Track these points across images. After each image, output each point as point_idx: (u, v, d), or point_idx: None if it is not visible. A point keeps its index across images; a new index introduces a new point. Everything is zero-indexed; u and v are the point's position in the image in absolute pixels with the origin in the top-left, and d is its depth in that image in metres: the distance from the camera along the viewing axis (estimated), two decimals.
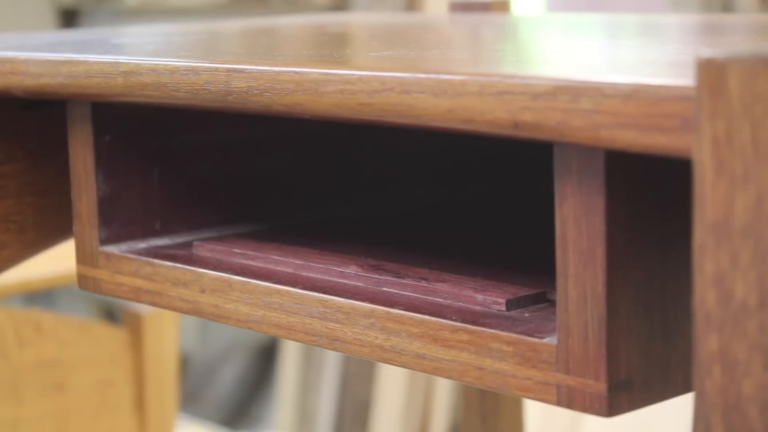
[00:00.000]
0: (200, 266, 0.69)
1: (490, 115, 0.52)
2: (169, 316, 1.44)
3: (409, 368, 0.60)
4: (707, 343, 0.44)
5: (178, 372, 1.48)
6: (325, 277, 0.66)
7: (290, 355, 2.52)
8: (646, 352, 0.53)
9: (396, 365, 0.60)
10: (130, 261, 0.72)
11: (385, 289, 0.63)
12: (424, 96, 0.54)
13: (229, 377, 2.96)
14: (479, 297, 0.60)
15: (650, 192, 0.53)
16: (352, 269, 0.65)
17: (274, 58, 0.66)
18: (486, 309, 0.59)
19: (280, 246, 0.70)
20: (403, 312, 0.59)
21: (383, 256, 0.67)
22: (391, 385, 2.31)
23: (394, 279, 0.63)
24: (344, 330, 0.62)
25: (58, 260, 1.47)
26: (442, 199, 0.84)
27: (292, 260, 0.68)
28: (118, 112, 0.73)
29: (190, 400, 2.91)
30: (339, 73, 0.57)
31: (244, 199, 0.77)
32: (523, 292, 0.60)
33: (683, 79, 0.46)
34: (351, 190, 0.81)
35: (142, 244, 0.74)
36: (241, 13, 2.78)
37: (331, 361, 2.43)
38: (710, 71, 0.43)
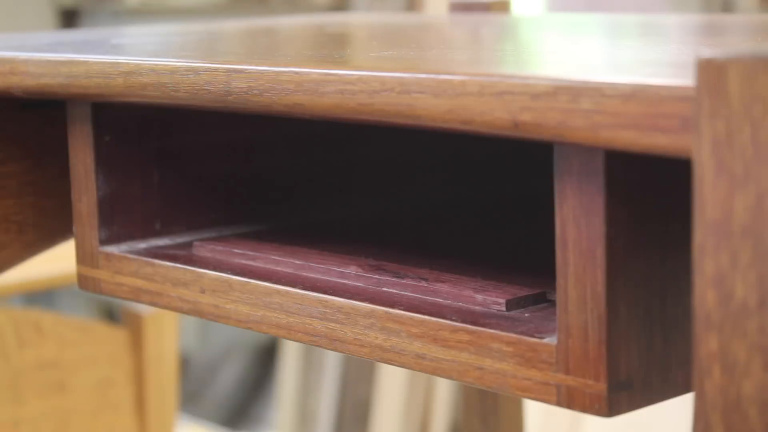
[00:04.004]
0: (200, 266, 0.69)
1: (490, 116, 0.52)
2: (169, 317, 1.44)
3: (409, 368, 0.60)
4: (707, 343, 0.44)
5: (178, 372, 1.48)
6: (325, 278, 0.66)
7: (290, 355, 2.52)
8: (646, 352, 0.53)
9: (396, 365, 0.60)
10: (130, 261, 0.72)
11: (385, 289, 0.63)
12: (424, 96, 0.54)
13: (229, 377, 2.96)
14: (479, 297, 0.60)
15: (650, 192, 0.53)
16: (352, 269, 0.65)
17: (274, 59, 0.66)
18: (486, 309, 0.59)
19: (280, 246, 0.70)
20: (403, 312, 0.59)
21: (383, 256, 0.67)
22: (391, 385, 2.31)
23: (394, 279, 0.63)
24: (344, 330, 0.62)
25: (58, 260, 1.47)
26: (442, 200, 0.84)
27: (292, 260, 0.68)
28: (118, 112, 0.73)
29: (190, 400, 2.91)
30: (339, 74, 0.57)
31: (244, 199, 0.77)
32: (523, 292, 0.60)
33: (683, 79, 0.46)
34: (351, 190, 0.81)
35: (142, 245, 0.74)
36: (241, 13, 2.78)
37: (331, 361, 2.43)
38: (710, 71, 0.43)
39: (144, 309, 1.42)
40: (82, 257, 0.74)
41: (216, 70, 0.63)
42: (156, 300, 0.71)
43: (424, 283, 0.62)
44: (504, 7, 1.16)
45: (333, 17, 1.29)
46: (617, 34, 0.84)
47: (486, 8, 1.14)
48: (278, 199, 0.79)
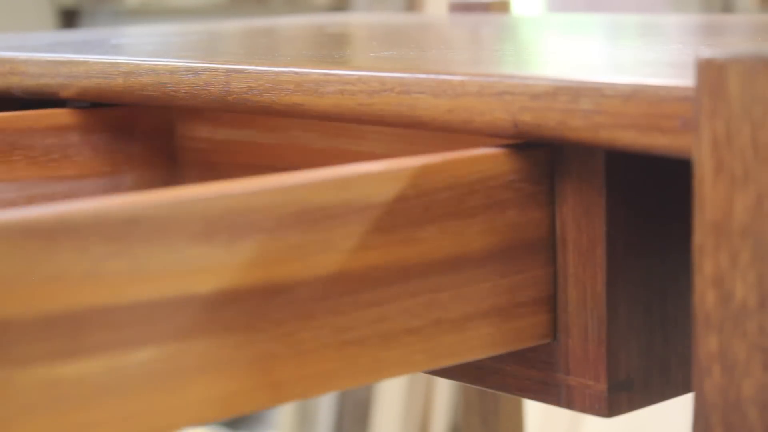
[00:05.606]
0: None
1: (490, 116, 0.52)
2: None
3: None
4: (707, 343, 0.44)
5: None
6: None
7: None
8: (646, 352, 0.53)
9: None
10: None
11: None
12: (424, 96, 0.54)
13: None
14: None
15: (650, 192, 0.53)
16: None
17: (274, 59, 0.66)
18: None
19: None
20: None
21: None
22: (391, 385, 2.31)
23: None
24: None
25: None
26: None
27: None
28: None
29: None
30: (339, 74, 0.57)
31: None
32: None
33: (683, 79, 0.46)
34: None
35: None
36: (241, 13, 2.78)
37: None
38: (710, 72, 0.43)
39: None
40: None
41: (216, 70, 0.63)
42: None
43: None
44: (504, 7, 1.16)
45: (333, 17, 1.29)
46: (617, 34, 0.84)
47: (486, 8, 1.14)
48: None
